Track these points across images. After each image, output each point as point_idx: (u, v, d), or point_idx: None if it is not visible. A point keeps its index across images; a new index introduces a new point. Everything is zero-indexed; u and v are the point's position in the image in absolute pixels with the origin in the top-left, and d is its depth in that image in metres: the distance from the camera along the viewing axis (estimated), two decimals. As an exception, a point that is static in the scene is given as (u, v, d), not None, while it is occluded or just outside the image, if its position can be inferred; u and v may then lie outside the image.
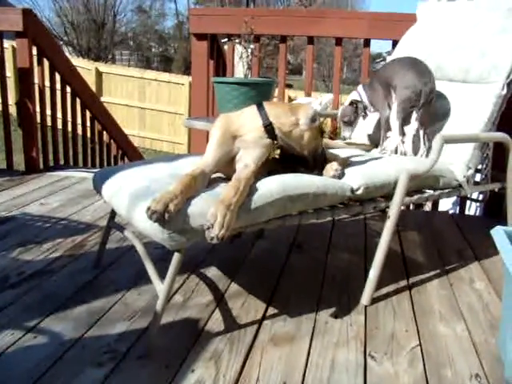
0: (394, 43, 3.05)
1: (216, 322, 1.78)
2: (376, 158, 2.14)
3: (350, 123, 2.40)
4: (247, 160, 1.73)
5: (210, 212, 1.47)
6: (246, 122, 1.76)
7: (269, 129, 1.74)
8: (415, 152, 2.34)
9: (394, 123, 2.31)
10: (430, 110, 2.31)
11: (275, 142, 1.77)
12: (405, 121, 2.32)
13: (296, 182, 1.72)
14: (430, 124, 2.37)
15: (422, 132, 2.33)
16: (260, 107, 1.77)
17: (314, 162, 1.86)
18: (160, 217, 1.42)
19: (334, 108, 3.42)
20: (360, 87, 2.49)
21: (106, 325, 1.74)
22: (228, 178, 1.73)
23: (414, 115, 2.29)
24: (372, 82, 2.45)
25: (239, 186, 1.57)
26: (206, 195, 1.58)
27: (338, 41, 3.34)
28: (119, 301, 1.90)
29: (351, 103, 2.42)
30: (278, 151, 1.83)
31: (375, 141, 2.52)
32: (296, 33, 3.63)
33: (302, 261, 2.37)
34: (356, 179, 1.88)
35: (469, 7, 2.59)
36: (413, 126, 2.31)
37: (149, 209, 1.43)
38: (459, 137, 2.24)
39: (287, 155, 1.87)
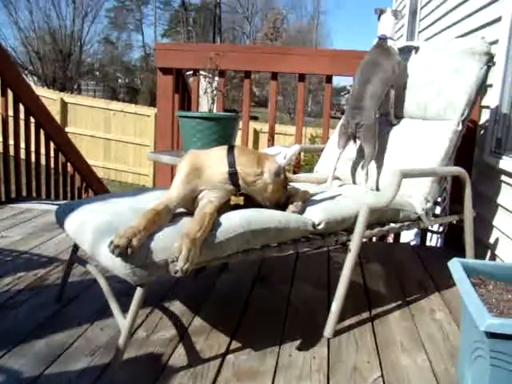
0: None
1: (179, 357, 1.77)
2: (336, 192, 2.19)
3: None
4: (211, 197, 1.75)
5: (174, 245, 1.48)
6: (213, 164, 1.78)
7: (233, 177, 1.76)
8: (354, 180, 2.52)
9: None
10: (371, 142, 2.40)
11: (238, 189, 1.80)
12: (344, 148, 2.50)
13: (258, 216, 1.75)
14: (388, 158, 2.46)
15: (365, 163, 2.43)
16: (230, 151, 1.79)
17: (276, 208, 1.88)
18: (123, 251, 1.43)
19: (298, 142, 3.49)
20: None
21: (68, 361, 1.71)
22: (191, 213, 1.74)
23: (351, 143, 2.47)
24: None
25: (204, 220, 1.59)
26: (169, 230, 1.59)
27: (301, 77, 3.43)
28: (81, 336, 1.87)
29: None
30: (242, 198, 1.84)
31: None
32: (260, 69, 3.70)
33: (265, 294, 2.38)
34: (317, 214, 1.92)
35: (426, 48, 2.70)
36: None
37: (111, 243, 1.44)
38: (417, 171, 2.31)
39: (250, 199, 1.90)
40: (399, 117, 2.64)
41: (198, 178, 1.76)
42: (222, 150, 1.81)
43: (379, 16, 2.55)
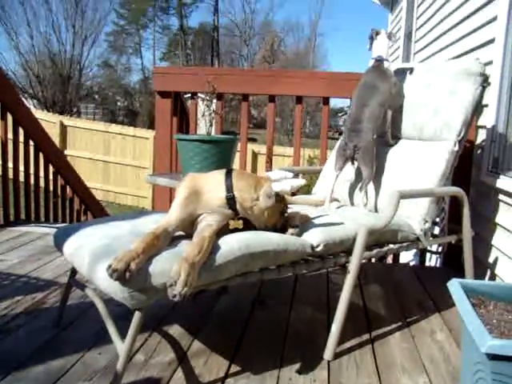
0: (352, 101, 3.17)
1: (178, 381, 1.76)
2: (334, 214, 2.19)
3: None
4: (210, 220, 1.75)
5: (173, 269, 1.48)
6: (212, 188, 1.79)
7: (230, 201, 1.77)
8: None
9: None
10: (369, 165, 2.41)
11: (236, 213, 1.80)
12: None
13: (256, 239, 1.75)
14: (385, 179, 2.46)
15: (363, 184, 2.44)
16: (228, 176, 1.80)
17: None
18: (121, 275, 1.43)
19: (296, 164, 3.51)
20: None
21: (65, 386, 1.69)
22: (189, 236, 1.74)
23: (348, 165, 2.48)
24: None
25: (203, 244, 1.59)
26: (168, 254, 1.59)
27: (299, 99, 3.45)
28: (79, 361, 1.86)
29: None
30: (241, 222, 1.84)
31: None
32: (257, 92, 3.74)
33: (265, 316, 2.37)
34: (316, 236, 1.92)
35: (421, 69, 2.73)
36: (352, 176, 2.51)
37: (110, 267, 1.44)
38: (415, 192, 2.32)
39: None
40: (396, 137, 2.65)
41: (196, 201, 1.77)
42: (220, 174, 1.82)
43: (374, 37, 2.58)
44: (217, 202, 1.77)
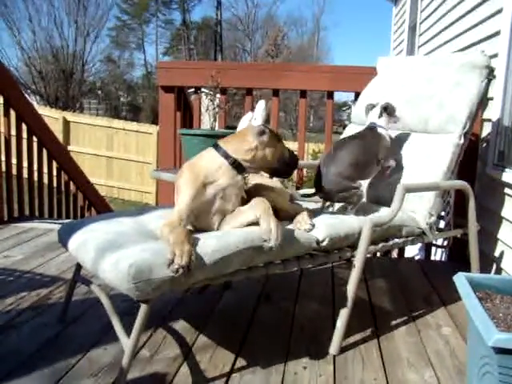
0: (357, 95, 3.16)
1: (183, 377, 1.76)
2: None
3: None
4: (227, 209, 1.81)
5: (168, 253, 1.51)
6: (213, 167, 1.78)
7: (236, 165, 1.78)
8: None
9: None
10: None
11: (245, 174, 1.83)
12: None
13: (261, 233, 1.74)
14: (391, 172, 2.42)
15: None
16: (217, 148, 1.81)
17: (280, 168, 1.89)
18: (186, 271, 1.48)
19: (300, 159, 3.49)
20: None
21: (71, 382, 1.69)
22: (199, 230, 1.75)
23: None
24: None
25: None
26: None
27: (303, 93, 3.44)
28: (84, 356, 1.86)
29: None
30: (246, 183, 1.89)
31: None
32: (261, 86, 3.73)
33: (270, 311, 2.36)
34: (321, 230, 1.91)
35: (426, 62, 2.71)
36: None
37: (172, 264, 1.48)
38: (420, 186, 2.31)
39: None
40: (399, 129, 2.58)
41: (204, 187, 1.76)
42: (210, 152, 1.83)
43: (369, 109, 2.45)
44: (225, 176, 1.77)
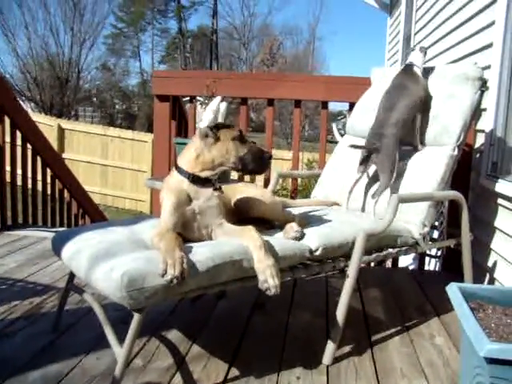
0: (351, 105, 3.18)
1: (177, 387, 1.75)
2: (333, 217, 2.19)
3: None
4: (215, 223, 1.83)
5: (160, 262, 1.51)
6: (178, 187, 1.79)
7: (195, 179, 1.78)
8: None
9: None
10: (387, 172, 2.37)
11: (215, 187, 1.81)
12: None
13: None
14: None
15: (377, 191, 2.40)
16: (177, 167, 1.81)
17: (243, 166, 1.81)
18: (180, 280, 1.48)
19: (294, 168, 3.51)
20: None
21: (63, 392, 1.68)
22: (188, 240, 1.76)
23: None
24: None
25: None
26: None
27: (297, 103, 3.46)
28: (77, 365, 1.85)
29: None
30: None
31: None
32: (256, 95, 3.74)
33: (263, 321, 2.36)
34: (314, 240, 1.92)
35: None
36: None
37: (165, 274, 1.48)
38: (414, 196, 2.32)
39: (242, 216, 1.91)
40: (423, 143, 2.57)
41: (182, 205, 1.79)
42: (173, 172, 1.84)
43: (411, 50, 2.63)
44: (192, 193, 1.78)
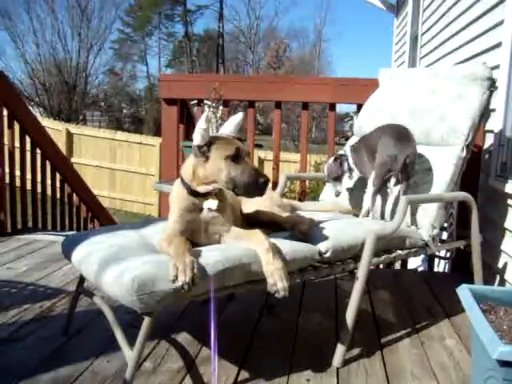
0: (359, 106, 3.17)
1: (187, 389, 1.75)
2: (343, 220, 2.18)
3: (339, 178, 2.50)
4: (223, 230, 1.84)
5: (170, 268, 1.51)
6: (180, 196, 1.80)
7: (192, 192, 1.78)
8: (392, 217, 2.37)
9: (369, 188, 2.38)
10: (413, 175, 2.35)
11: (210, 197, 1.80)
12: (382, 186, 2.38)
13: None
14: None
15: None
16: (181, 180, 1.81)
17: (235, 188, 1.70)
18: (191, 286, 1.49)
19: (302, 170, 3.50)
20: (348, 149, 2.56)
21: (74, 395, 1.69)
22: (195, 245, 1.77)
23: (393, 180, 2.34)
24: (359, 147, 2.51)
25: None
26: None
27: (305, 105, 3.46)
28: (88, 369, 1.85)
29: (335, 159, 2.50)
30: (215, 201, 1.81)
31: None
32: (263, 98, 3.74)
33: (273, 323, 2.36)
34: (324, 242, 1.92)
35: (428, 74, 2.73)
36: (394, 191, 2.36)
37: (176, 280, 1.48)
38: (423, 198, 2.31)
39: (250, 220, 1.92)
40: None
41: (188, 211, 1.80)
42: (177, 180, 1.85)
43: None
44: (193, 203, 1.79)
